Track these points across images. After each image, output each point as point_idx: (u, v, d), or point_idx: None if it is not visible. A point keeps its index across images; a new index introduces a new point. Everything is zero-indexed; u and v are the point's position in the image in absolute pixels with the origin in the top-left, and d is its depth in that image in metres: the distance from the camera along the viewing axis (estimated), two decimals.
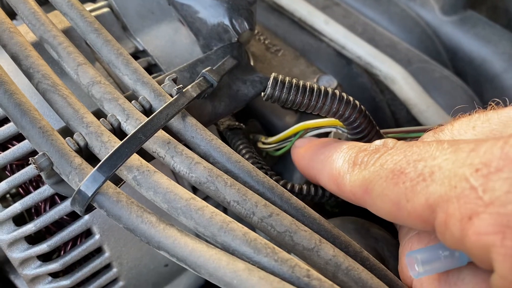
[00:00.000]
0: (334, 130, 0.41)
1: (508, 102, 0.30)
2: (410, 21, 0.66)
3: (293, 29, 0.58)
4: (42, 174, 0.33)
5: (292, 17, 0.58)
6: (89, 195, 0.29)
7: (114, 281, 0.44)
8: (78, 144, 0.32)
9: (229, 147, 0.34)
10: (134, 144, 0.30)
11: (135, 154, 0.31)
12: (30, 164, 0.31)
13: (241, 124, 0.44)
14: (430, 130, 0.34)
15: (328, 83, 0.48)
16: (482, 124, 0.29)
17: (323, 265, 0.28)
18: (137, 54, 0.46)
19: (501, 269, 0.22)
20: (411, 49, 0.60)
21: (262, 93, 0.36)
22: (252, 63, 0.50)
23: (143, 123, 0.31)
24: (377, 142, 0.32)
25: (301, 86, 0.35)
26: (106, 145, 0.32)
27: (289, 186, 0.38)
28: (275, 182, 0.33)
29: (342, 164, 0.31)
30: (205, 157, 0.33)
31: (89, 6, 0.46)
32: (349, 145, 0.33)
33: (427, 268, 0.27)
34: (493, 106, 0.31)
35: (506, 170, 0.21)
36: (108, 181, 0.30)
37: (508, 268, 0.21)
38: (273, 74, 0.35)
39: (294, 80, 0.35)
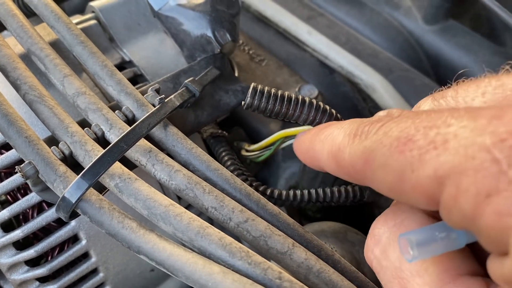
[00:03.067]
0: None
1: None
2: (393, 30, 0.68)
3: (278, 39, 0.59)
4: (28, 182, 0.34)
5: (276, 28, 0.60)
6: (73, 202, 0.31)
7: (101, 285, 0.45)
8: (63, 152, 0.34)
9: (208, 156, 0.35)
10: (116, 153, 0.32)
11: (117, 162, 0.32)
12: (17, 172, 0.33)
13: (224, 132, 0.46)
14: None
15: (310, 92, 0.50)
16: (493, 90, 0.25)
17: (295, 268, 0.30)
18: (123, 65, 0.47)
19: None
20: (393, 58, 0.61)
21: (242, 102, 0.37)
22: (236, 73, 0.51)
23: (125, 132, 0.33)
24: (381, 113, 0.29)
25: (279, 95, 0.36)
26: (90, 153, 0.33)
27: (268, 191, 0.40)
28: (252, 189, 0.34)
29: (342, 138, 0.28)
30: (185, 165, 0.35)
31: (76, 18, 0.48)
32: (351, 120, 0.30)
33: (422, 250, 0.24)
34: (507, 69, 0.27)
35: None
36: (91, 188, 0.32)
37: None
38: (252, 84, 0.37)
39: (272, 90, 0.37)
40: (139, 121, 0.34)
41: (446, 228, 0.24)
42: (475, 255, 0.26)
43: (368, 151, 0.25)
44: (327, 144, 0.30)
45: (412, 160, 0.22)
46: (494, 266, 0.21)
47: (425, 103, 0.29)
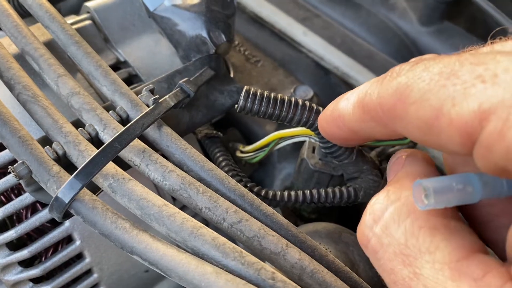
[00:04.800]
0: (307, 139, 0.42)
1: None
2: (389, 32, 0.68)
3: (273, 40, 0.59)
4: (21, 182, 0.34)
5: (272, 29, 0.60)
6: (66, 202, 0.30)
7: (95, 286, 0.45)
8: (56, 153, 0.34)
9: (203, 156, 0.35)
10: (110, 153, 0.32)
11: (111, 162, 0.32)
12: (10, 172, 0.33)
13: (219, 133, 0.46)
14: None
15: (305, 93, 0.50)
16: None
17: (289, 269, 0.30)
18: (118, 65, 0.47)
19: None
20: (388, 59, 0.61)
21: (235, 105, 0.37)
22: (232, 74, 0.51)
23: (118, 132, 0.33)
24: (412, 60, 0.27)
25: (272, 98, 0.36)
26: (83, 153, 0.33)
27: (263, 192, 0.40)
28: (246, 190, 0.34)
29: (370, 85, 0.26)
30: (179, 165, 0.35)
31: (71, 19, 0.48)
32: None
33: (438, 199, 0.23)
34: None
35: None
36: (85, 188, 0.31)
37: None
38: (245, 87, 0.37)
39: (265, 92, 0.37)
40: (133, 121, 0.34)
41: (463, 180, 0.23)
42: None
43: (403, 87, 0.23)
44: (353, 97, 0.28)
45: (454, 93, 0.21)
46: None
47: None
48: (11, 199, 0.40)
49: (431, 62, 0.23)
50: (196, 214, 0.35)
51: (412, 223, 0.24)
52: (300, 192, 0.40)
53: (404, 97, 0.23)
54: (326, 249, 0.35)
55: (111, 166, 0.33)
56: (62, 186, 0.31)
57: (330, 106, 0.32)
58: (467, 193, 0.23)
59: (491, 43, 0.27)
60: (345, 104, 0.29)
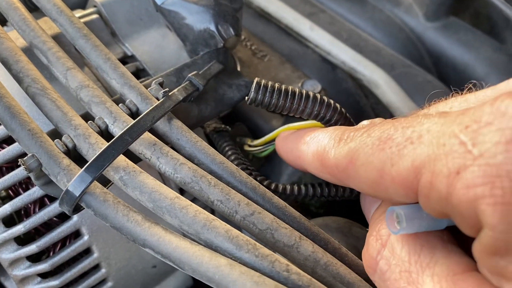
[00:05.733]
0: None
1: (484, 86, 0.30)
2: (395, 27, 0.67)
3: (280, 35, 0.59)
4: (31, 175, 0.34)
5: (278, 24, 0.60)
6: (77, 195, 0.30)
7: (103, 281, 0.44)
8: (66, 146, 0.33)
9: (213, 149, 0.35)
10: (121, 146, 0.31)
11: (121, 155, 0.32)
12: (20, 166, 0.32)
13: (227, 127, 0.46)
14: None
15: (313, 87, 0.49)
16: (459, 104, 0.29)
17: (302, 261, 0.29)
18: (125, 59, 0.47)
19: (491, 221, 0.20)
20: (395, 55, 0.61)
21: (246, 97, 0.37)
22: (239, 68, 0.51)
23: (129, 125, 0.32)
24: (364, 122, 0.32)
25: (283, 90, 0.36)
26: (94, 146, 0.33)
27: (273, 186, 0.39)
28: (257, 182, 0.34)
29: (328, 141, 0.31)
30: (190, 158, 0.35)
31: (78, 13, 0.47)
32: (335, 127, 0.34)
33: (409, 224, 0.26)
34: (469, 87, 0.31)
35: (496, 123, 0.21)
36: (95, 181, 0.31)
37: (498, 218, 0.20)
38: (256, 79, 0.36)
39: (276, 84, 0.36)
40: (143, 114, 0.34)
41: None
42: None
43: (353, 151, 0.28)
44: (312, 146, 0.33)
45: (391, 155, 0.25)
46: (476, 249, 0.22)
47: None
48: (19, 194, 0.40)
49: (374, 128, 0.27)
50: (206, 207, 0.34)
51: (414, 241, 0.26)
52: (310, 186, 0.40)
53: (354, 160, 0.28)
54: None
55: (122, 159, 0.32)
56: (72, 179, 0.30)
57: (290, 142, 0.37)
58: (435, 220, 0.26)
59: (429, 104, 0.32)
60: (304, 149, 0.34)
